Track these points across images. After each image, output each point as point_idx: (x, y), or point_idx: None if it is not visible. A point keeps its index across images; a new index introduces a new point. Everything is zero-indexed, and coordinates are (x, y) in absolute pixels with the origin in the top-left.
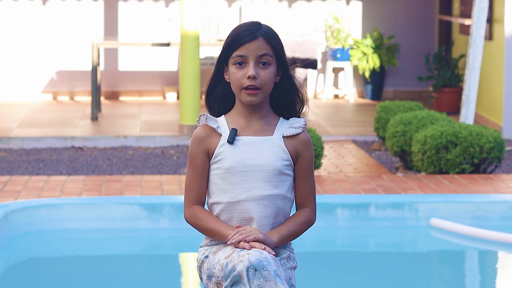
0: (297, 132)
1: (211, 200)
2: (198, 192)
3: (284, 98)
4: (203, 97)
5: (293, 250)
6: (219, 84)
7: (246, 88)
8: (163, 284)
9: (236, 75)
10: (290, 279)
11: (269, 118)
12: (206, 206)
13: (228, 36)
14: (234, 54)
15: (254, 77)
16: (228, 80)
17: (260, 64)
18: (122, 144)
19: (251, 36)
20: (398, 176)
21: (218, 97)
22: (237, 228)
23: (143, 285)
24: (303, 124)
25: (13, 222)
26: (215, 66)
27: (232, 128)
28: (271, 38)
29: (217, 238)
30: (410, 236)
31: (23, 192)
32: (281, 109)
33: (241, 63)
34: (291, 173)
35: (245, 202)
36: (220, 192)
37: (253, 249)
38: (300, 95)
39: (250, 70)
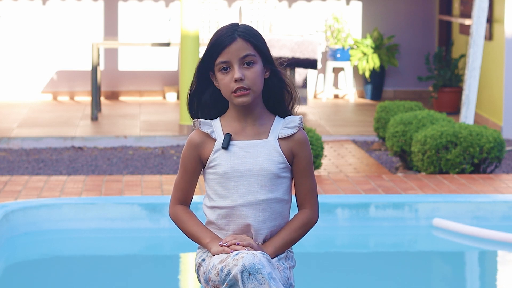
0: (292, 133)
1: (209, 204)
2: (185, 193)
3: (274, 94)
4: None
5: (291, 249)
6: (206, 91)
7: (235, 91)
8: (163, 284)
9: (223, 81)
10: (288, 279)
11: (264, 118)
12: (204, 208)
13: (208, 43)
14: (217, 61)
15: (241, 79)
16: (218, 87)
17: (245, 64)
18: (122, 144)
19: (229, 40)
20: (398, 176)
21: (208, 103)
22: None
23: (143, 285)
24: (299, 123)
25: (13, 222)
26: (195, 75)
27: (226, 133)
28: (250, 37)
29: (196, 242)
30: (409, 236)
31: (23, 192)
32: (275, 107)
33: (226, 68)
34: (288, 175)
35: (241, 208)
36: (217, 197)
37: (246, 252)
38: (289, 88)
39: (236, 73)
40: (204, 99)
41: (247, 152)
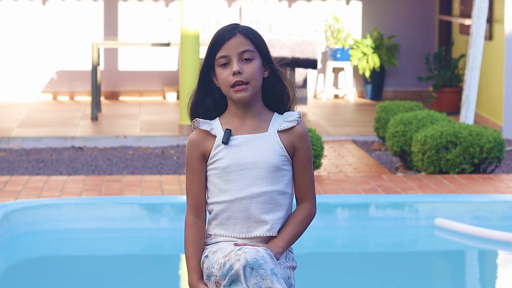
0: (292, 126)
1: (210, 200)
2: (196, 197)
3: (274, 94)
4: (188, 110)
5: (292, 249)
6: (208, 96)
7: (234, 85)
8: (163, 284)
9: (222, 76)
10: (289, 278)
11: (262, 114)
12: (208, 207)
13: (209, 43)
14: (217, 56)
15: (239, 72)
16: (218, 85)
17: (243, 60)
18: (122, 144)
19: (229, 35)
20: (398, 176)
21: (210, 107)
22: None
23: (143, 285)
24: (298, 117)
25: (13, 222)
26: (198, 78)
27: (226, 129)
28: (250, 34)
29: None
30: (409, 236)
31: (23, 192)
32: (274, 106)
33: (226, 64)
34: (288, 168)
35: (243, 200)
36: (218, 192)
37: (249, 247)
38: (288, 89)
39: (234, 66)
40: (206, 103)
41: (247, 145)
